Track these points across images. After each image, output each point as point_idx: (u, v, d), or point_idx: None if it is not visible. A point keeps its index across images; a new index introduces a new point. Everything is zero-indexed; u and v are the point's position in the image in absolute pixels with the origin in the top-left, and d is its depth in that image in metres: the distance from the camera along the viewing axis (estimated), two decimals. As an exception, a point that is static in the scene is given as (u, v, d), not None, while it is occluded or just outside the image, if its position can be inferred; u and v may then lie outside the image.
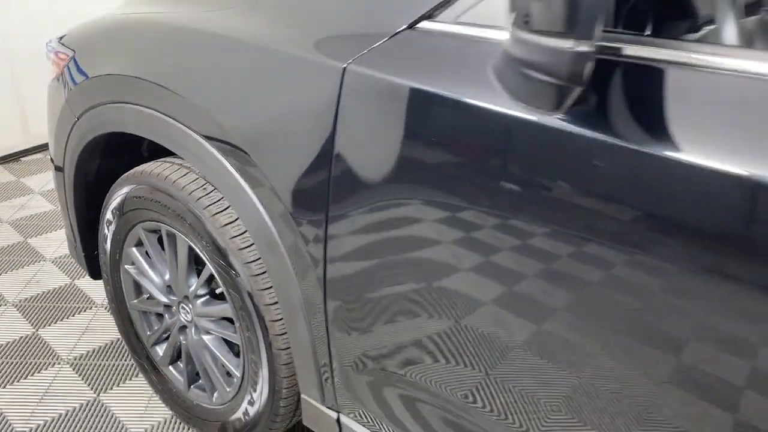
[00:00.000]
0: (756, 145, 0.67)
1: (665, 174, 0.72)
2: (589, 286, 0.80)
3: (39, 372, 1.85)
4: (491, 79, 0.84)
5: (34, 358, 1.90)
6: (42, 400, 1.75)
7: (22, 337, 2.00)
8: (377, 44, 0.98)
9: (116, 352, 1.94)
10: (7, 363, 1.87)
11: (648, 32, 1.07)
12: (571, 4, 0.62)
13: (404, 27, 0.97)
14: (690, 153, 0.70)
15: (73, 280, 2.30)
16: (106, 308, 2.11)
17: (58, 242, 2.52)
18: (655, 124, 0.74)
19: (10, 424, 1.66)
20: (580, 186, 0.79)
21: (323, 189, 1.06)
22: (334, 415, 1.26)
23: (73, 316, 2.10)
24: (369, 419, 1.20)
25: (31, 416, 1.69)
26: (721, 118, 0.72)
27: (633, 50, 0.79)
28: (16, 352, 1.93)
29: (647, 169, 0.73)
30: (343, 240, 1.06)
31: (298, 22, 1.12)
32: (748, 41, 1.02)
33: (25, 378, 1.83)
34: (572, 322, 0.84)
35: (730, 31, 0.96)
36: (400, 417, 1.15)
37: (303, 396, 1.31)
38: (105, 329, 2.03)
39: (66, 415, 1.70)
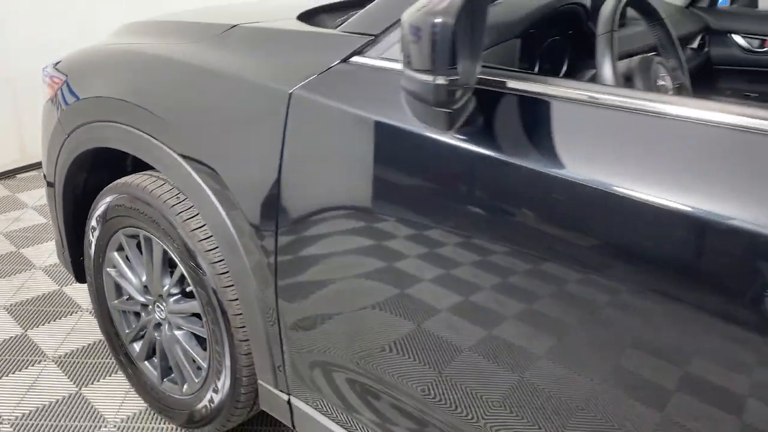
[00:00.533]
0: (583, 153, 0.86)
1: (531, 182, 0.91)
2: (487, 279, 0.98)
3: (26, 368, 2.01)
4: (403, 105, 1.03)
5: (22, 356, 2.06)
6: (28, 393, 1.90)
7: (11, 336, 2.16)
8: (318, 74, 1.17)
9: (98, 351, 2.10)
10: (-3, 360, 2.03)
11: (564, 71, 1.27)
12: (432, 49, 0.81)
13: (339, 60, 1.16)
14: (549, 165, 0.89)
15: (61, 287, 2.46)
16: (90, 312, 2.27)
17: (48, 252, 2.69)
18: (524, 142, 0.93)
19: (-3, 414, 1.81)
20: (469, 192, 0.98)
21: (274, 200, 1.24)
22: (285, 397, 1.43)
23: (59, 318, 2.26)
24: (314, 400, 1.37)
25: (16, 406, 1.85)
26: (578, 138, 0.91)
27: (513, 83, 0.98)
28: (5, 350, 2.09)
29: (517, 178, 0.92)
30: (290, 246, 1.24)
31: (255, 54, 1.32)
32: (625, 78, 1.21)
33: (13, 373, 1.99)
34: (479, 312, 1.02)
35: (607, 70, 1.15)
36: (340, 397, 1.32)
37: (259, 381, 1.48)
38: (89, 331, 2.19)
39: (49, 405, 1.86)
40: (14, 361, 2.04)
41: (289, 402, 1.43)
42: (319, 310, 1.26)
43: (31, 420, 1.80)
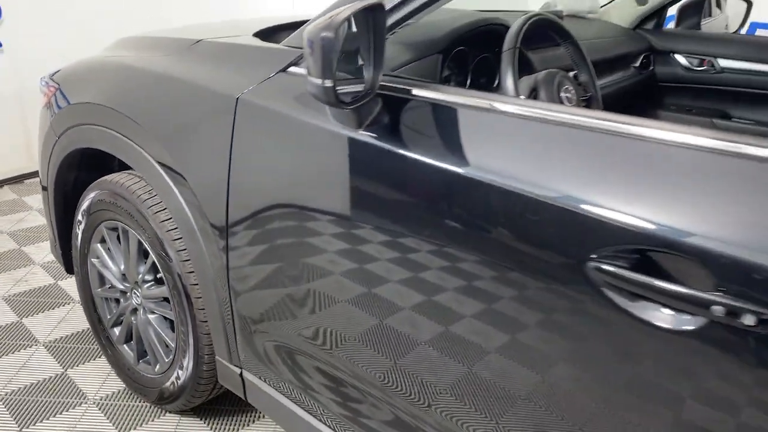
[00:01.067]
0: (458, 149, 1.03)
1: (422, 173, 1.07)
2: (397, 259, 1.14)
3: (19, 351, 2.19)
4: (326, 107, 1.21)
5: (15, 341, 2.25)
6: (19, 372, 2.09)
7: (7, 324, 2.35)
8: (261, 81, 1.35)
9: (85, 337, 2.28)
10: (-7, 343, 2.22)
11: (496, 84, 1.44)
12: (321, 58, 0.99)
13: (279, 70, 1.34)
14: (445, 161, 1.05)
15: (57, 281, 2.65)
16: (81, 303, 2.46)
17: (47, 250, 2.89)
18: (425, 141, 1.10)
19: (-11, 389, 2.00)
20: (375, 181, 1.15)
21: (224, 195, 1.42)
22: (238, 371, 1.60)
23: (53, 309, 2.45)
24: (262, 373, 1.54)
25: (7, 383, 2.03)
26: (475, 140, 1.07)
27: (417, 91, 1.15)
28: (1, 335, 2.28)
29: (416, 171, 1.08)
30: (238, 236, 1.41)
31: (213, 64, 1.50)
32: (531, 90, 1.38)
33: (6, 355, 2.17)
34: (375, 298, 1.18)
35: (508, 82, 1.32)
36: (284, 370, 1.48)
37: (217, 357, 1.65)
38: (78, 320, 2.37)
39: (37, 383, 2.04)
40: (8, 345, 2.23)
41: (241, 375, 1.60)
42: (263, 293, 1.42)
43: (20, 396, 1.98)
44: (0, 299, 2.51)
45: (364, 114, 1.13)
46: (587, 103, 1.55)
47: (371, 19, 1.06)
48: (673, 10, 2.43)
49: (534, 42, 1.71)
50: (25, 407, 1.93)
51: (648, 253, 0.85)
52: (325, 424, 1.42)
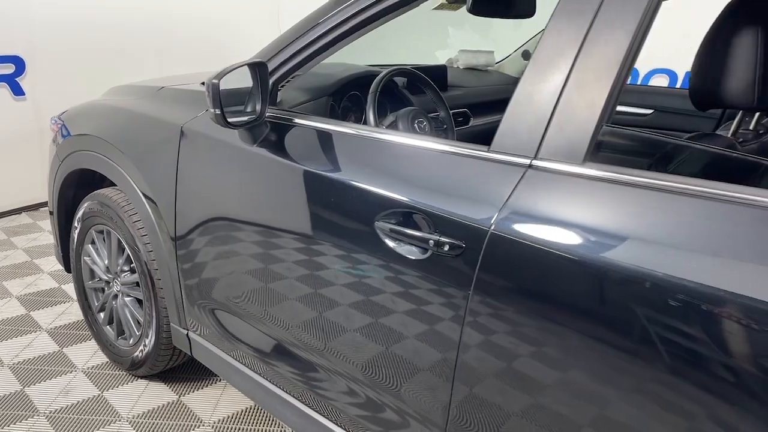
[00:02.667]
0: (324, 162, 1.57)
1: (306, 180, 1.60)
2: (282, 237, 1.67)
3: (23, 336, 2.72)
4: (236, 131, 1.75)
5: (20, 326, 2.78)
6: (24, 350, 2.61)
7: (18, 315, 2.88)
8: (197, 115, 1.91)
9: (80, 324, 2.81)
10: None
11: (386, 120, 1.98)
12: (208, 97, 1.54)
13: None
14: (317, 168, 1.58)
15: (60, 285, 3.20)
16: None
17: (54, 262, 3.44)
18: (302, 154, 1.63)
19: None
20: (267, 184, 1.69)
21: (173, 203, 1.96)
22: (185, 332, 2.11)
23: (55, 305, 2.98)
24: (203, 333, 2.05)
25: (17, 354, 2.55)
26: (341, 155, 1.60)
27: (298, 120, 1.69)
28: (9, 323, 2.81)
29: (295, 177, 1.61)
30: (183, 232, 1.94)
31: (169, 104, 2.07)
32: (393, 122, 1.92)
33: (13, 338, 2.70)
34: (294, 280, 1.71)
35: (370, 116, 1.86)
36: (220, 329, 1.99)
37: (171, 324, 2.17)
38: (75, 312, 2.90)
39: (37, 357, 2.56)
40: (16, 331, 2.76)
41: (187, 335, 2.11)
42: (201, 271, 1.95)
43: (26, 365, 2.50)
44: (14, 298, 3.05)
45: (257, 135, 1.68)
46: (444, 133, 2.09)
47: (257, 71, 1.62)
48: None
49: (418, 89, 2.26)
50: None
51: (401, 212, 1.36)
52: (247, 366, 1.92)
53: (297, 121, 1.70)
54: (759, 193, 0.99)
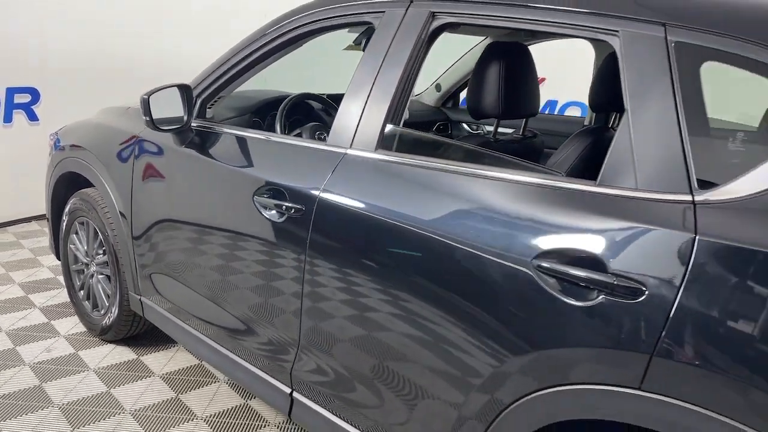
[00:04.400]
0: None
1: (213, 169, 2.19)
2: (224, 220, 2.24)
3: (18, 311, 3.31)
4: (171, 135, 2.35)
5: (16, 305, 3.36)
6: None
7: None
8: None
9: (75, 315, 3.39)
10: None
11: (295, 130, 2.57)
12: (140, 106, 2.14)
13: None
14: (231, 163, 2.17)
15: (56, 275, 3.79)
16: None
17: (53, 259, 4.04)
18: (221, 153, 2.22)
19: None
20: (197, 177, 2.27)
21: (129, 200, 2.55)
22: (139, 297, 2.68)
23: (51, 290, 3.57)
24: (151, 297, 2.62)
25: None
26: (254, 155, 2.19)
27: (218, 128, 2.28)
28: (5, 303, 3.40)
29: (214, 170, 2.20)
30: (135, 221, 2.53)
31: (133, 118, 2.67)
32: (300, 133, 2.50)
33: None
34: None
35: (277, 127, 2.45)
36: (164, 293, 2.55)
37: (129, 292, 2.74)
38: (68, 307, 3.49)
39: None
40: (14, 308, 3.35)
41: (140, 300, 2.68)
42: (148, 247, 2.52)
43: (19, 332, 3.07)
44: (16, 284, 3.65)
45: (186, 139, 2.28)
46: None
47: (184, 92, 2.22)
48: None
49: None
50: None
51: (269, 189, 1.93)
52: (185, 323, 2.47)
53: (216, 128, 2.29)
54: (486, 171, 1.52)
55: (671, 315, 1.16)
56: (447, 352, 1.51)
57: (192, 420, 2.45)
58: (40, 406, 2.49)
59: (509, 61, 1.92)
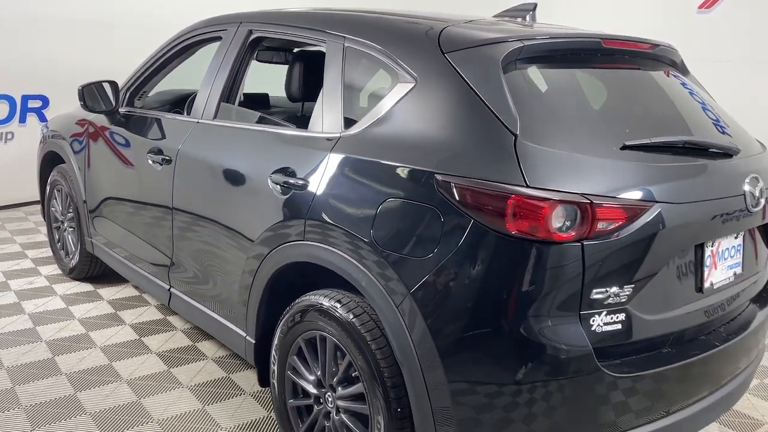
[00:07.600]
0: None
1: (133, 141, 3.15)
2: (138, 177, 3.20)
3: (15, 260, 4.31)
4: (105, 117, 3.32)
5: (15, 259, 4.37)
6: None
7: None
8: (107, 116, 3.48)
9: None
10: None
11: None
12: (78, 94, 3.10)
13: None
14: (140, 134, 3.13)
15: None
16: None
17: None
18: (140, 128, 3.18)
19: None
20: (123, 144, 3.24)
21: (85, 173, 3.53)
22: (90, 240, 3.65)
23: (43, 248, 4.58)
24: (94, 236, 3.58)
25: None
26: (166, 128, 3.15)
27: (139, 112, 3.25)
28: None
29: (130, 139, 3.16)
30: (89, 185, 3.50)
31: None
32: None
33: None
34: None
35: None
36: (108, 244, 3.51)
37: (85, 237, 3.71)
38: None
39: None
40: (11, 259, 4.35)
41: (91, 241, 3.65)
42: (92, 199, 3.48)
43: (14, 274, 4.07)
44: (17, 244, 4.67)
45: (114, 119, 3.25)
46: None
47: (111, 87, 3.19)
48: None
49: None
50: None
51: (153, 147, 2.86)
52: (112, 251, 3.42)
53: (137, 113, 3.25)
54: (255, 127, 2.46)
55: (315, 195, 2.05)
56: (236, 234, 2.41)
57: (178, 388, 3.39)
58: (71, 413, 3.44)
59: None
